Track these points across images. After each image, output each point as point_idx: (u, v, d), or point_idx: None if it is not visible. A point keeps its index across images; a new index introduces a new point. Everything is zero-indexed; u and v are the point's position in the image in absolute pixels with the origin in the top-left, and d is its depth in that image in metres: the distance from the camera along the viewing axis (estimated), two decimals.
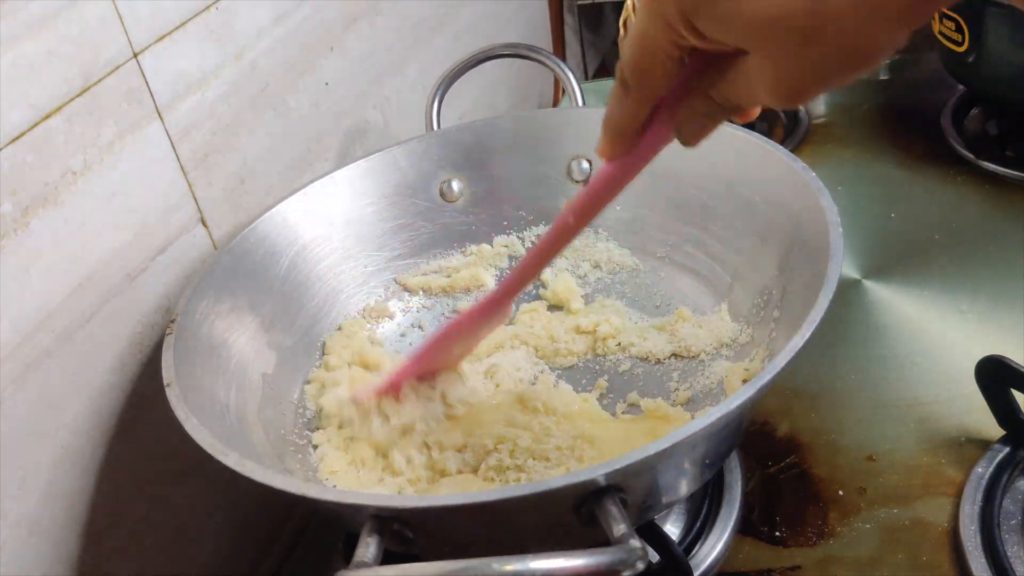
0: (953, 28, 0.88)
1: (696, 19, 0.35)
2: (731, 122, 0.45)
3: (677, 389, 0.64)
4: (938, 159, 0.91)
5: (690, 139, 0.42)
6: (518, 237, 0.75)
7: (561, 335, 0.69)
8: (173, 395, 0.50)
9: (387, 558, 0.42)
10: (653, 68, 0.39)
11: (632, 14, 0.40)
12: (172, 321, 0.55)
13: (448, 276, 0.74)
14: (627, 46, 0.39)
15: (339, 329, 0.69)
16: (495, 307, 0.59)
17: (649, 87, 0.40)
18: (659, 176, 0.69)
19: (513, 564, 0.38)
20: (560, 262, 0.74)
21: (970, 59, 0.88)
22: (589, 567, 0.38)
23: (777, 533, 0.59)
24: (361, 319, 0.70)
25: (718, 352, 0.65)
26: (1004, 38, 0.84)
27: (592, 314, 0.70)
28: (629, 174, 0.45)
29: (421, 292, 0.73)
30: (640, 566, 0.39)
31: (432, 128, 0.75)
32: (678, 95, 0.41)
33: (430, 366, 0.61)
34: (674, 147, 0.70)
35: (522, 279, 0.57)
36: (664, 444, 0.42)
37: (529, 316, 0.71)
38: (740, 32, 0.35)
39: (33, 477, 0.50)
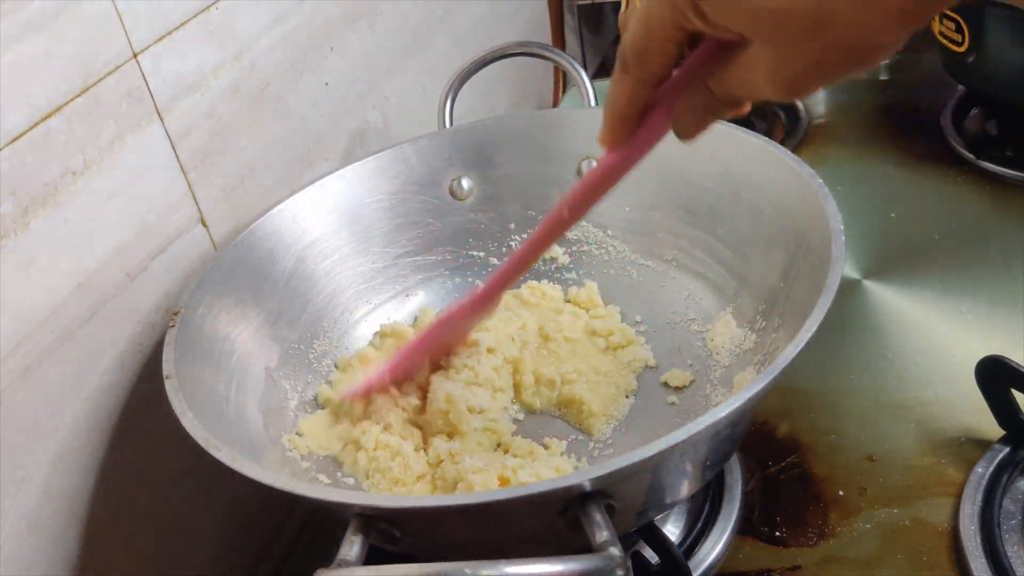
0: (953, 28, 0.88)
1: (703, 4, 0.35)
2: (727, 121, 0.44)
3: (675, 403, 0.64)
4: (938, 159, 0.90)
5: (686, 132, 0.42)
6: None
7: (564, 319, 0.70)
8: (171, 388, 0.50)
9: (377, 555, 0.42)
10: (653, 49, 0.39)
11: None
12: (175, 314, 0.55)
13: None
14: (630, 25, 0.39)
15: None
16: (485, 301, 0.59)
17: (648, 68, 0.40)
18: (668, 178, 0.69)
19: (488, 569, 0.38)
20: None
21: (970, 59, 0.88)
22: (565, 573, 0.38)
23: (777, 533, 0.59)
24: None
25: (722, 357, 0.65)
26: (1004, 38, 0.84)
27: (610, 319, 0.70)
28: (625, 165, 0.45)
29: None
30: (619, 574, 0.38)
31: (444, 126, 0.75)
32: (678, 87, 0.41)
33: (420, 361, 0.62)
34: (683, 149, 0.70)
35: (513, 272, 0.57)
36: (652, 451, 0.41)
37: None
38: (744, 18, 0.35)
39: (33, 477, 0.50)
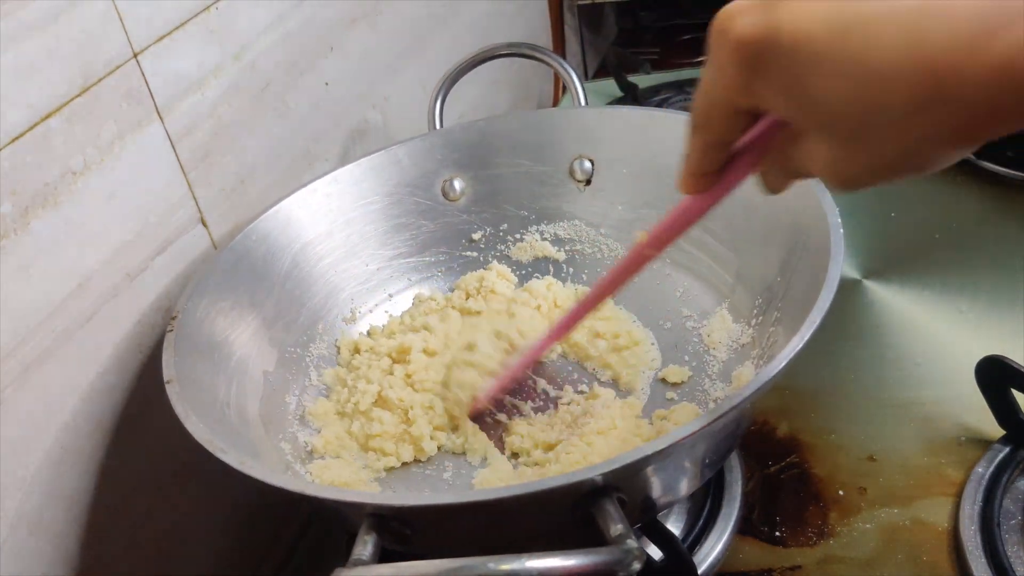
0: None
1: (755, 84, 0.35)
2: None
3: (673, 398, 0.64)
4: None
5: (772, 190, 0.42)
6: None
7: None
8: (173, 392, 0.50)
9: (387, 556, 0.43)
10: (714, 117, 0.38)
11: None
12: (173, 318, 0.55)
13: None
14: (696, 91, 0.39)
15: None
16: (562, 334, 0.61)
17: (712, 133, 0.40)
18: (661, 175, 0.69)
19: (509, 563, 0.38)
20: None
21: None
22: (585, 567, 0.38)
23: (777, 533, 0.59)
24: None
25: (720, 352, 0.65)
26: None
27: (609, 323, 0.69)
28: (707, 209, 0.44)
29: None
30: (636, 566, 0.39)
31: (434, 127, 0.75)
32: (762, 145, 0.40)
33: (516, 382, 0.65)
34: (672, 147, 0.70)
35: (590, 306, 0.57)
36: (662, 444, 0.42)
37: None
38: (794, 112, 0.34)
39: (33, 477, 0.50)
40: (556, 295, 0.72)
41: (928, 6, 0.29)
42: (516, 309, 0.69)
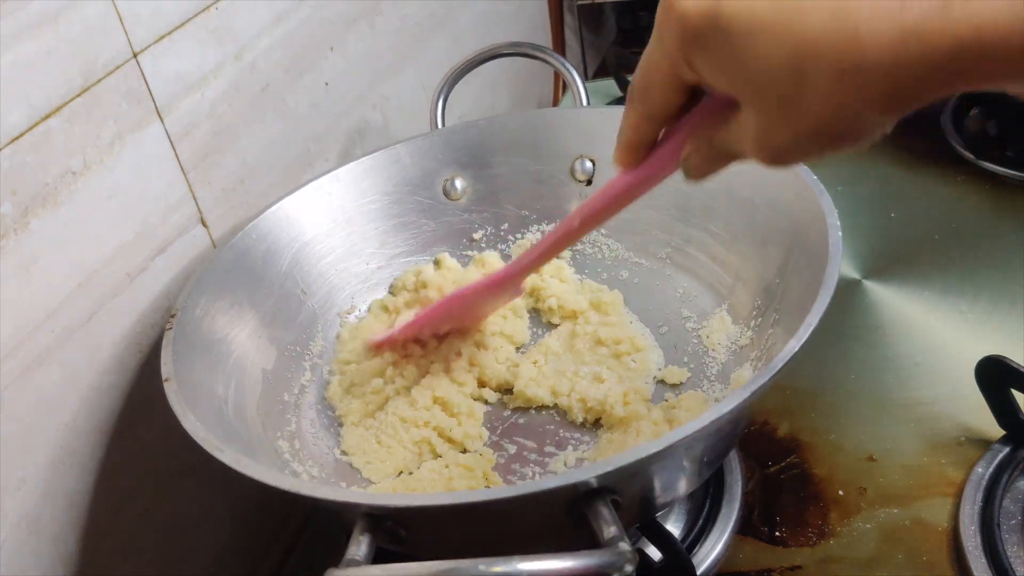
0: None
1: (693, 57, 0.37)
2: None
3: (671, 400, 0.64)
4: (938, 159, 0.90)
5: (691, 174, 0.43)
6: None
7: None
8: (171, 390, 0.50)
9: (383, 556, 0.43)
10: (653, 88, 0.40)
11: None
12: (172, 317, 0.55)
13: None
14: (640, 62, 0.40)
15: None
16: (498, 286, 0.62)
17: (650, 106, 0.41)
18: None
19: (500, 565, 0.38)
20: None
21: None
22: (577, 569, 0.38)
23: (777, 533, 0.59)
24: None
25: (719, 354, 0.65)
26: None
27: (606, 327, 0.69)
28: (638, 188, 0.46)
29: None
30: (629, 569, 0.39)
31: (436, 126, 0.75)
32: (691, 128, 0.42)
33: (433, 327, 0.66)
34: None
35: (524, 270, 0.59)
36: (657, 447, 0.42)
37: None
38: (730, 80, 0.36)
39: (33, 477, 0.50)
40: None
41: None
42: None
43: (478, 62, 0.77)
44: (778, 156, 0.37)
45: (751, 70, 0.34)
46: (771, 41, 0.33)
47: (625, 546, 0.39)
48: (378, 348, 0.66)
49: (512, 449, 0.62)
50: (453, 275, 0.72)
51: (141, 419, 0.57)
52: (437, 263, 0.74)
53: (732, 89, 0.36)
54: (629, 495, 0.46)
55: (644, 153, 0.44)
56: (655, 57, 0.39)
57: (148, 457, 0.58)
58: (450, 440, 0.62)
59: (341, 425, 0.64)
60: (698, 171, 0.43)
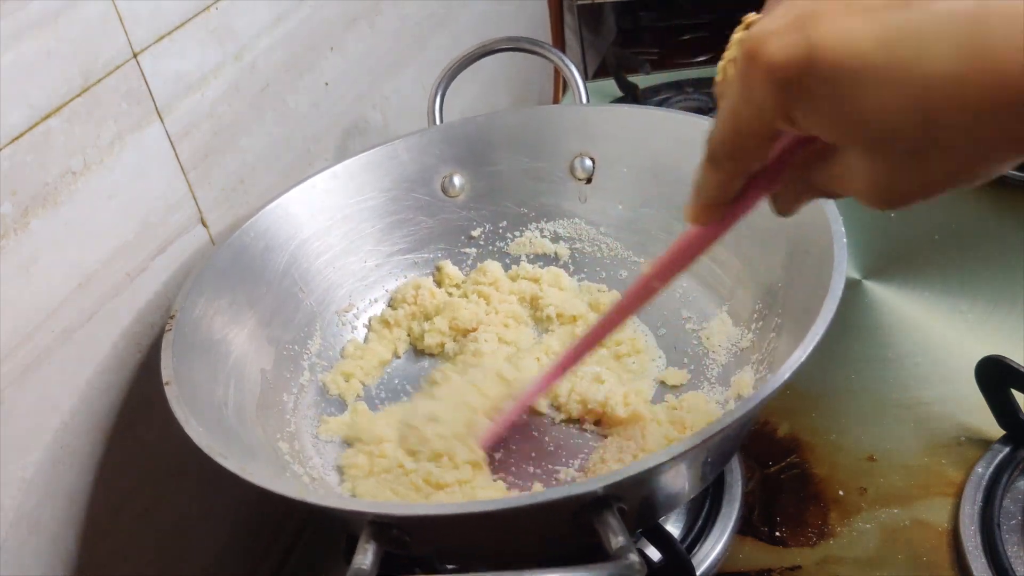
0: None
1: (794, 112, 0.32)
2: None
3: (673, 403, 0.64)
4: None
5: (785, 212, 0.41)
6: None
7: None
8: (172, 394, 0.50)
9: (389, 560, 0.42)
10: (744, 147, 0.36)
11: (730, 65, 0.38)
12: (171, 318, 0.55)
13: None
14: (719, 122, 0.36)
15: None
16: (569, 365, 0.58)
17: (743, 165, 0.38)
18: (661, 176, 0.69)
19: None
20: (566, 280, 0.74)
21: None
22: None
23: (777, 533, 0.59)
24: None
25: (719, 356, 0.65)
26: None
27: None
28: (717, 237, 0.43)
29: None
30: None
31: (434, 122, 0.75)
32: (775, 167, 0.39)
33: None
34: (672, 147, 0.69)
35: (596, 339, 0.55)
36: (663, 457, 0.42)
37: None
38: (842, 134, 0.32)
39: (33, 477, 0.50)
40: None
41: (986, 6, 0.28)
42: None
43: (475, 57, 0.76)
44: (898, 200, 0.33)
45: (867, 118, 0.30)
46: (889, 88, 0.29)
47: (634, 557, 0.39)
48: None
49: (512, 447, 0.62)
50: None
51: (141, 419, 0.57)
52: (438, 270, 0.74)
53: (844, 140, 0.33)
54: (635, 502, 0.46)
55: (726, 210, 0.40)
56: (745, 115, 0.34)
57: (148, 457, 0.58)
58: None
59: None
60: (792, 209, 0.40)
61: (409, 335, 0.71)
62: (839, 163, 0.34)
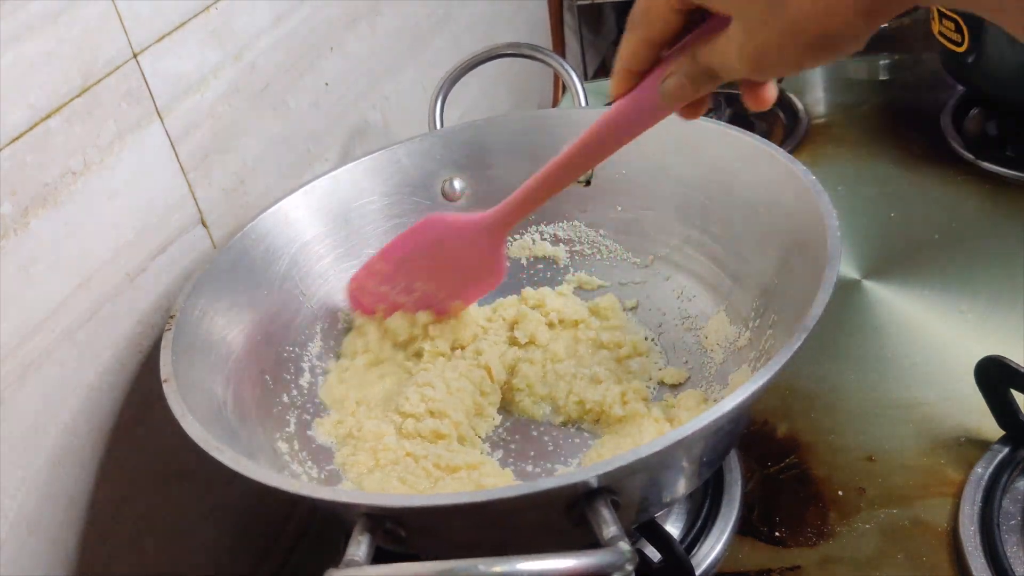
0: (953, 28, 0.88)
1: None
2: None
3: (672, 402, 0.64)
4: (938, 159, 0.90)
5: (668, 94, 0.45)
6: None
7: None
8: (170, 391, 0.50)
9: (383, 556, 0.42)
10: (654, 12, 0.43)
11: None
12: (171, 318, 0.55)
13: None
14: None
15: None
16: (476, 230, 0.62)
17: (649, 30, 0.44)
18: (660, 177, 0.69)
19: (501, 565, 0.38)
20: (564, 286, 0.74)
21: (970, 59, 0.88)
22: (577, 569, 0.38)
23: (777, 533, 0.59)
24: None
25: (717, 354, 0.65)
26: (1004, 38, 0.84)
27: (605, 332, 0.69)
28: (630, 116, 0.49)
29: None
30: (629, 568, 0.39)
31: (435, 127, 0.75)
32: (674, 54, 0.45)
33: (408, 272, 0.66)
34: (677, 147, 0.69)
35: (522, 206, 0.60)
36: (657, 447, 0.42)
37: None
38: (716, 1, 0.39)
39: (33, 477, 0.50)
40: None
41: None
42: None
43: (477, 63, 0.77)
44: (761, 60, 0.39)
45: None
46: None
47: (625, 545, 0.39)
48: (362, 309, 0.67)
49: (512, 448, 0.62)
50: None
51: (141, 419, 0.57)
52: None
53: (716, 6, 0.39)
54: (629, 495, 0.46)
55: (638, 79, 0.47)
56: None
57: (148, 457, 0.58)
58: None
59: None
60: (675, 92, 0.45)
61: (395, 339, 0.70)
62: (722, 36, 0.41)
